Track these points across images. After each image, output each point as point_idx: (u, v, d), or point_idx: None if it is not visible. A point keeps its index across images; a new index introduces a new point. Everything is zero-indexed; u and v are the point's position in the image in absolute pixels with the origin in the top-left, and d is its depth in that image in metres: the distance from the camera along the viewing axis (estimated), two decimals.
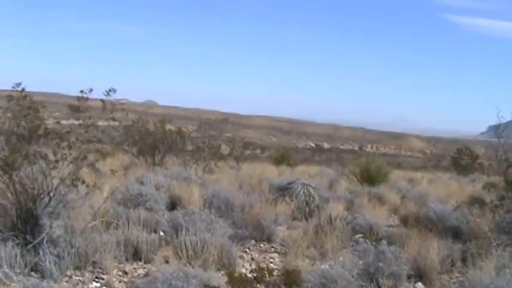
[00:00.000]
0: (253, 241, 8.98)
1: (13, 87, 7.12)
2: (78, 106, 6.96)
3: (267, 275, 6.62)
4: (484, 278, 6.08)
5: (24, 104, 7.03)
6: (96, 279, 6.54)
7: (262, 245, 8.87)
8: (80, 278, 6.50)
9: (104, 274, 6.67)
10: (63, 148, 6.76)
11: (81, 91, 6.91)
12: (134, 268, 7.07)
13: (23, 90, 7.11)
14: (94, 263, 6.85)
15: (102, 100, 7.04)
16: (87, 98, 6.93)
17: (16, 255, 6.27)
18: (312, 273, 6.37)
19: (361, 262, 6.74)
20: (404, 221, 10.65)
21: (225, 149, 20.38)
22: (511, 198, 8.75)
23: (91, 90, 6.88)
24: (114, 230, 7.71)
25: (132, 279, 6.63)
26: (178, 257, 7.05)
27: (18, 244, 6.44)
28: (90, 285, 6.38)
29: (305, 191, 11.68)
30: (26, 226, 6.75)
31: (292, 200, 11.21)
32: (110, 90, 7.04)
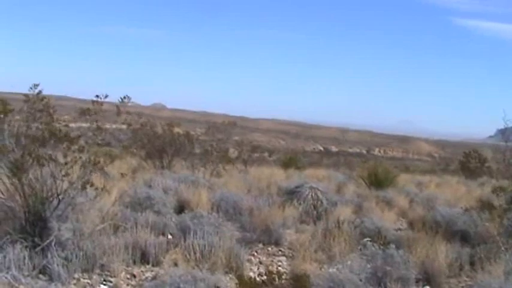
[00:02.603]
0: (261, 244, 8.96)
1: (30, 88, 7.14)
2: (89, 109, 6.99)
3: (276, 278, 6.63)
4: (492, 282, 6.05)
5: (39, 106, 7.05)
6: (104, 282, 6.55)
7: (270, 249, 8.86)
8: (88, 281, 6.51)
9: (111, 277, 6.68)
10: (74, 151, 6.79)
11: (97, 95, 6.97)
12: (142, 271, 7.07)
13: (39, 92, 7.13)
14: (102, 265, 6.86)
15: (117, 106, 7.09)
16: (102, 103, 6.98)
17: (24, 258, 6.30)
18: (320, 277, 6.36)
19: (369, 266, 6.72)
20: (413, 225, 10.62)
21: (233, 153, 20.43)
22: None
23: (106, 96, 6.93)
24: (122, 233, 7.73)
25: (140, 282, 6.64)
26: (186, 260, 7.06)
27: (26, 247, 6.46)
28: None
29: (313, 194, 11.66)
30: (35, 229, 6.77)
31: (300, 204, 11.21)
32: (124, 97, 7.10)
